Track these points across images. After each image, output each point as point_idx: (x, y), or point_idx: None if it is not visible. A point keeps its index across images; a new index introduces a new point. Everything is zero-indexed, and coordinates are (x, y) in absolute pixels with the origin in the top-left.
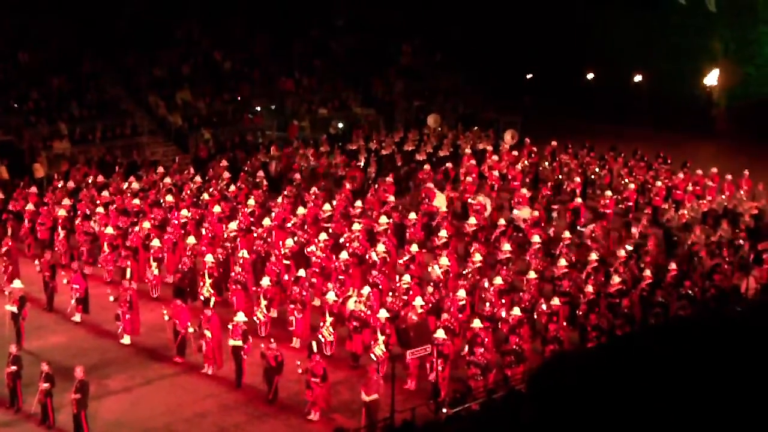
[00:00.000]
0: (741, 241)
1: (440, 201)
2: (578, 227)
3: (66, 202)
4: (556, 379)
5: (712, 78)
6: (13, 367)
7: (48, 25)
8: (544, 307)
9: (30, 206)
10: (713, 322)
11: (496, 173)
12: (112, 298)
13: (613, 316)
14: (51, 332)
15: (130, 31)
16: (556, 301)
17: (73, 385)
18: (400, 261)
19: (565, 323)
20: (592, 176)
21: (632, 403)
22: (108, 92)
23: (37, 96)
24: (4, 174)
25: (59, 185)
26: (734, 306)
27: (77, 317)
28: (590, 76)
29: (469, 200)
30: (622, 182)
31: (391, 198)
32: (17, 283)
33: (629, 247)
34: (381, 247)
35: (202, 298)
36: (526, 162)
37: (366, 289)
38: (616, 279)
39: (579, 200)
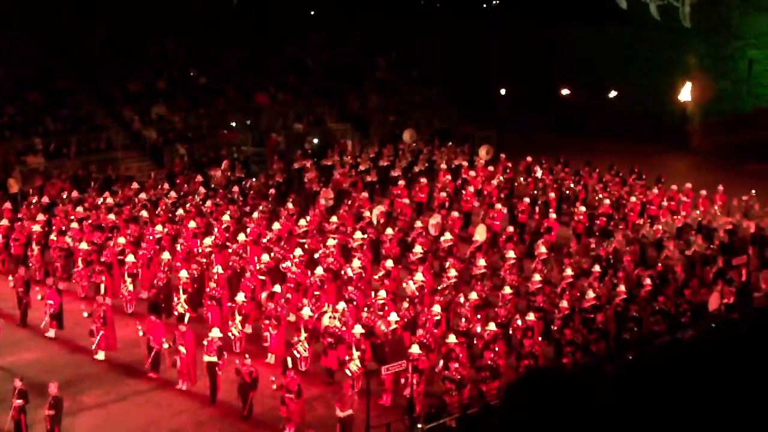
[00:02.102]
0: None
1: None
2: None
3: (40, 217)
4: (530, 395)
5: (686, 93)
6: None
7: (22, 40)
8: (519, 322)
9: (4, 221)
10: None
11: (471, 189)
12: (86, 314)
13: (587, 331)
14: (25, 348)
15: (106, 46)
16: (531, 317)
17: (47, 401)
18: (376, 276)
19: (540, 338)
20: (567, 192)
21: (609, 419)
22: (83, 107)
23: (11, 111)
24: None
25: (34, 200)
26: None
27: (51, 333)
28: (565, 91)
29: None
30: (597, 198)
31: (367, 213)
32: None
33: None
34: (356, 263)
35: (176, 313)
36: (501, 177)
37: (341, 305)
38: (590, 294)
39: (553, 216)
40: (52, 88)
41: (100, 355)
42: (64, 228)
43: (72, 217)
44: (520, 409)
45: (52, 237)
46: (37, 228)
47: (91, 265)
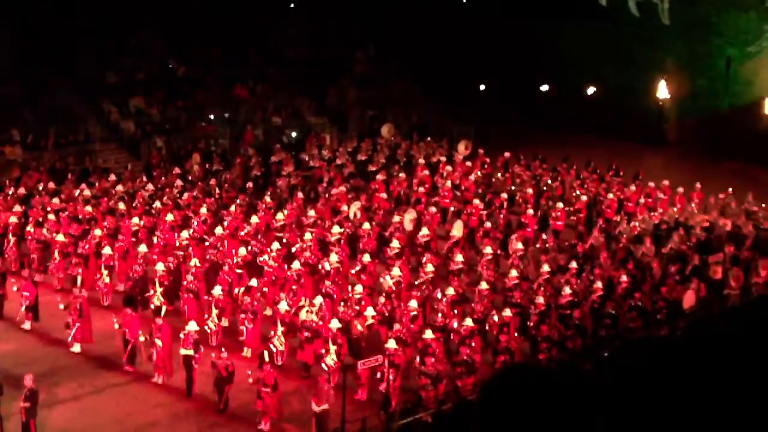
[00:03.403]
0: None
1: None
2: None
3: (17, 208)
4: (506, 390)
5: (663, 90)
6: None
7: (1, 31)
8: (495, 318)
9: None
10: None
11: (449, 184)
12: (62, 306)
13: (564, 327)
14: (1, 340)
15: (84, 38)
16: (507, 312)
17: (22, 393)
18: (353, 271)
19: (516, 334)
20: (544, 188)
21: (585, 417)
22: (61, 99)
23: None
24: None
25: (10, 192)
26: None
27: (27, 325)
28: (544, 87)
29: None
30: (574, 194)
31: (344, 207)
32: None
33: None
34: (333, 257)
35: (153, 306)
36: (479, 173)
37: (318, 299)
38: (567, 290)
39: (530, 212)
40: (31, 80)
41: (76, 348)
42: (40, 219)
43: (49, 209)
44: (496, 404)
45: (29, 228)
46: (13, 219)
47: (67, 257)
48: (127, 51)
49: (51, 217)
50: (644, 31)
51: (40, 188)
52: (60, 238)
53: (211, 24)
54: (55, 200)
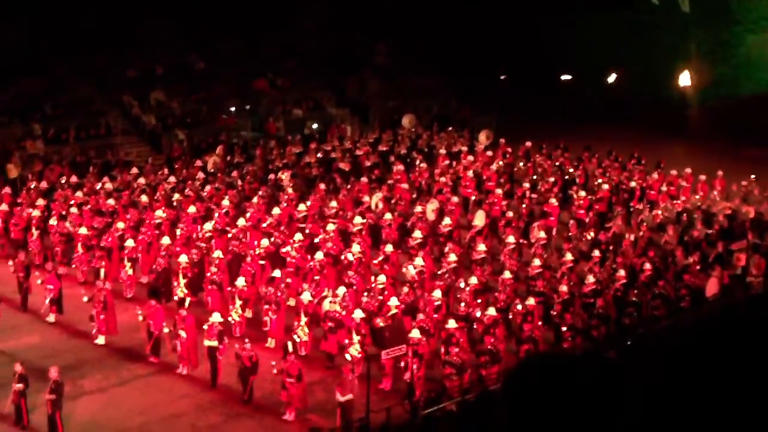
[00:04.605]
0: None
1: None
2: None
3: (40, 202)
4: (530, 380)
5: (685, 78)
6: None
7: (20, 25)
8: (519, 307)
9: (3, 206)
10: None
11: (470, 174)
12: (86, 299)
13: (587, 316)
14: (25, 332)
15: (104, 31)
16: (530, 301)
17: (48, 385)
18: (375, 261)
19: (539, 323)
20: (566, 177)
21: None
22: (81, 92)
23: (10, 96)
24: None
25: (33, 185)
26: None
27: (51, 318)
28: (565, 76)
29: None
30: (596, 183)
31: (366, 198)
32: None
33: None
34: (356, 248)
35: (176, 298)
36: (500, 162)
37: (341, 290)
38: (590, 279)
39: (554, 201)
40: (51, 74)
41: (101, 340)
42: (63, 213)
43: (71, 202)
44: (520, 394)
45: (52, 222)
46: (36, 213)
47: (90, 250)
48: (146, 44)
49: (74, 210)
50: (665, 19)
51: (63, 182)
52: (83, 231)
53: (230, 16)
54: (78, 193)
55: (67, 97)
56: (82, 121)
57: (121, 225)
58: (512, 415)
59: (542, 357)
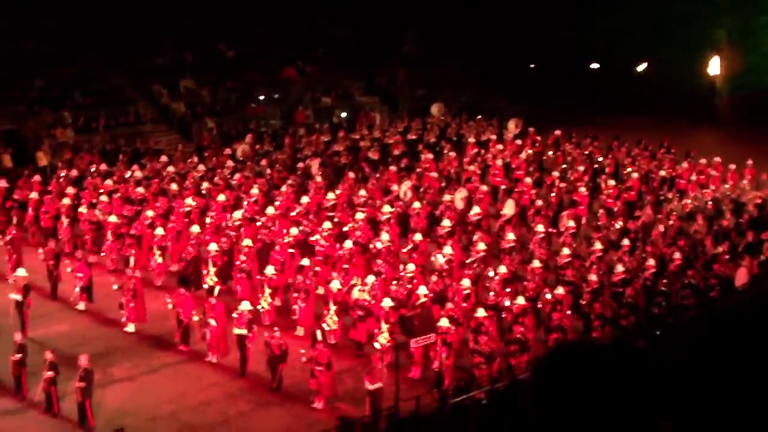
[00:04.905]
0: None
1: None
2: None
3: (70, 190)
4: (559, 368)
5: (715, 66)
6: (18, 356)
7: (51, 13)
8: (548, 296)
9: (34, 195)
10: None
11: (499, 162)
12: (115, 287)
13: (617, 305)
14: (55, 321)
15: (133, 20)
16: (560, 290)
17: (78, 373)
18: (404, 250)
19: (569, 312)
20: (596, 166)
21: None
22: (111, 81)
23: (40, 84)
24: (8, 163)
25: (63, 174)
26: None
27: (81, 305)
28: (594, 65)
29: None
30: (625, 172)
31: (395, 186)
32: (21, 272)
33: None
34: (385, 236)
35: (206, 286)
36: (529, 151)
37: (370, 278)
38: (619, 268)
39: (583, 190)
40: (81, 63)
41: (130, 328)
42: (93, 201)
43: (101, 191)
44: (549, 383)
45: (82, 210)
46: (66, 201)
47: (120, 238)
48: (176, 33)
49: (103, 198)
50: (695, 8)
51: (92, 170)
52: (113, 219)
53: (260, 4)
54: (108, 181)
55: (97, 85)
56: (112, 110)
57: (150, 213)
58: (541, 404)
59: (571, 346)
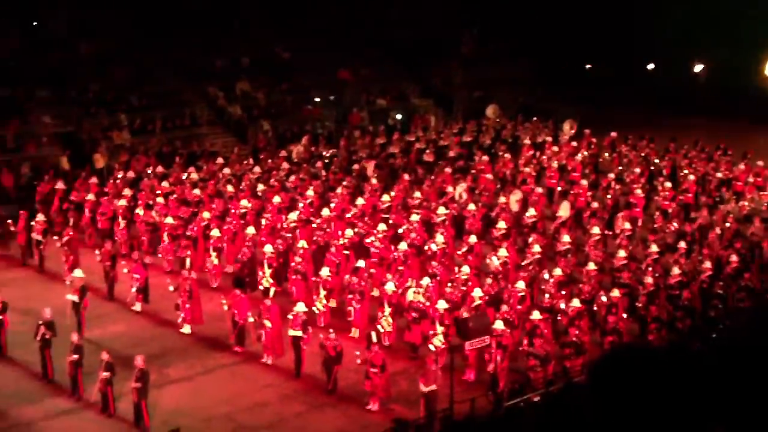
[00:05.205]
0: None
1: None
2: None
3: (126, 192)
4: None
5: None
6: (75, 356)
7: (108, 16)
8: (603, 298)
9: (91, 196)
10: None
11: (555, 164)
12: (171, 288)
13: (673, 308)
14: (111, 321)
15: (190, 23)
16: (615, 293)
17: (134, 373)
18: (459, 252)
19: (624, 315)
20: (652, 168)
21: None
22: (168, 83)
23: (97, 87)
24: (65, 164)
25: (119, 175)
26: None
27: (137, 306)
28: (650, 66)
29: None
30: (682, 174)
31: (450, 189)
32: (78, 273)
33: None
34: (440, 238)
35: (261, 288)
36: (585, 153)
37: (425, 280)
38: (675, 270)
39: (639, 192)
40: (137, 65)
41: (186, 329)
42: (149, 203)
43: (158, 192)
44: (606, 385)
45: (138, 211)
46: (123, 203)
47: (176, 240)
48: (232, 35)
49: (160, 200)
50: (752, 8)
51: (149, 171)
52: (169, 220)
53: (315, 6)
54: (164, 183)
55: (153, 87)
56: (168, 112)
57: (206, 215)
58: (598, 406)
59: (627, 349)
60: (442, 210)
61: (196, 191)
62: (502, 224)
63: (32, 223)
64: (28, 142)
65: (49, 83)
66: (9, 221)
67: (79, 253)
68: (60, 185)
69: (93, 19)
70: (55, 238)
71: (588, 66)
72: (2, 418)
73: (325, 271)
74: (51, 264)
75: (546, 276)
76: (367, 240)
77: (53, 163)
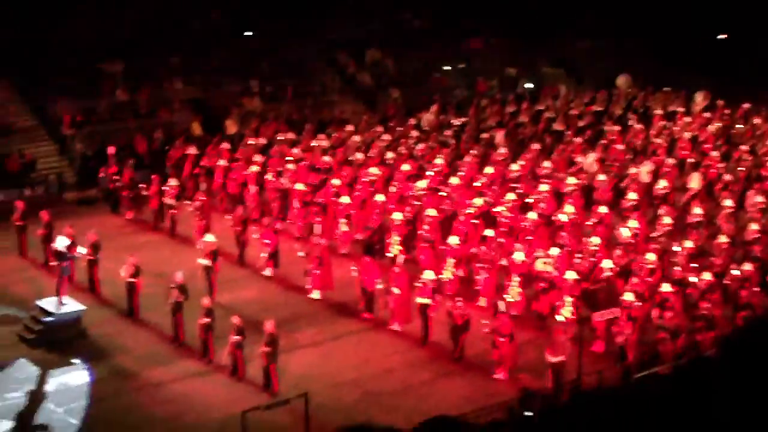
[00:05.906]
0: None
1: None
2: None
3: (257, 158)
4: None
5: None
6: (206, 319)
7: None
8: (735, 272)
9: (222, 162)
10: None
11: (687, 135)
12: (301, 254)
13: None
14: (242, 286)
15: None
16: (748, 267)
17: (263, 338)
18: (588, 223)
19: (757, 289)
20: None
21: None
22: (298, 51)
23: (226, 55)
24: (198, 130)
25: (250, 142)
26: None
27: (268, 272)
28: None
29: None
30: None
31: (579, 158)
32: (210, 237)
33: None
34: (569, 208)
35: (390, 255)
36: (718, 124)
37: (554, 250)
38: None
39: None
40: (269, 32)
41: (316, 295)
42: (279, 169)
43: (288, 158)
44: (740, 360)
45: (268, 177)
46: (253, 168)
47: (306, 206)
48: (363, 3)
49: (290, 166)
50: None
51: (279, 138)
52: (299, 186)
53: None
54: (294, 150)
55: (284, 55)
56: (299, 80)
57: (336, 182)
58: (731, 381)
59: (762, 324)
60: (571, 180)
61: (326, 158)
62: (632, 195)
63: (164, 187)
64: (161, 108)
65: (182, 51)
66: (142, 186)
67: (210, 217)
68: (192, 150)
69: None
70: (187, 202)
71: (721, 36)
72: (134, 379)
73: (453, 240)
74: (182, 228)
75: (677, 248)
76: (496, 209)
77: (185, 129)
